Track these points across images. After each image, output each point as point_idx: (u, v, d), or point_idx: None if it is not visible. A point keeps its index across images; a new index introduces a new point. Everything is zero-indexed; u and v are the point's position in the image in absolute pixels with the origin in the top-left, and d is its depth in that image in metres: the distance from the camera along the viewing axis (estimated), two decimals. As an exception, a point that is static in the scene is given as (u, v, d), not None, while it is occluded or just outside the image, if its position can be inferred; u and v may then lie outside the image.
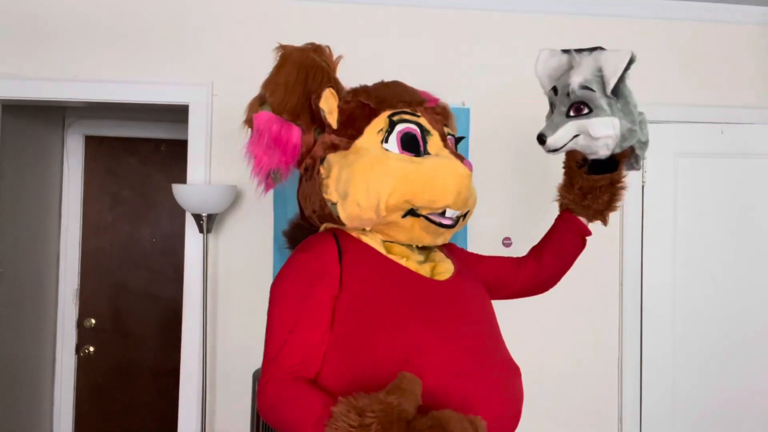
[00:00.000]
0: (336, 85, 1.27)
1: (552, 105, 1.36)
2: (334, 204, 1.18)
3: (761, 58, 2.48)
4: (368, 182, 1.14)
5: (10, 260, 2.59)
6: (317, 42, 1.29)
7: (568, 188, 1.43)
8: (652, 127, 2.37)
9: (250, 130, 1.21)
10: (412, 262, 1.21)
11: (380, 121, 1.21)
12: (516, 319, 2.36)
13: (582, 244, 1.48)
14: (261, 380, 1.10)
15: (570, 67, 1.32)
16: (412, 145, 1.19)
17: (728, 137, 2.39)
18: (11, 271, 2.60)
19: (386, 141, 1.19)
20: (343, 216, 1.18)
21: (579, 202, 1.42)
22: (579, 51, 1.32)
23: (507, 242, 2.24)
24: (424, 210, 1.16)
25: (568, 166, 1.43)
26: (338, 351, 1.09)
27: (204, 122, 2.21)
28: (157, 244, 3.23)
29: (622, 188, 1.42)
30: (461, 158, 1.22)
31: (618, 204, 1.43)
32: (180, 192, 2.13)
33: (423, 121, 1.22)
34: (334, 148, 1.22)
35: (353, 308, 1.11)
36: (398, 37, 2.30)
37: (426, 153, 1.20)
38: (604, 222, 1.45)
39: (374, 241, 1.20)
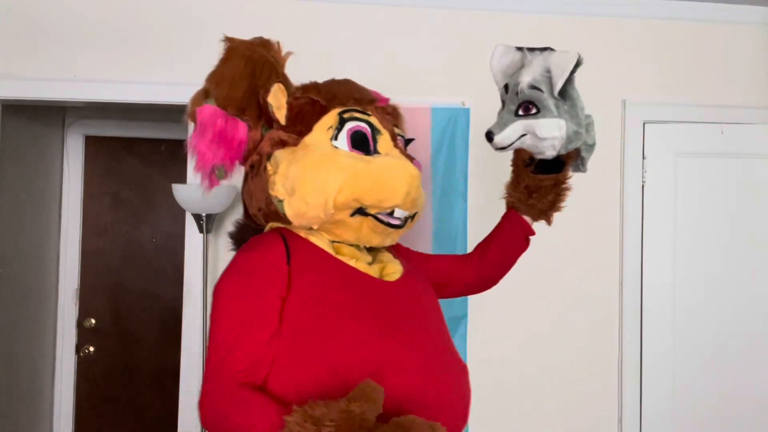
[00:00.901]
0: (284, 80, 1.25)
1: (503, 102, 1.35)
2: (281, 201, 1.16)
3: (761, 58, 2.48)
4: (317, 179, 1.12)
5: (10, 260, 2.59)
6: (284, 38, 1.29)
7: (514, 186, 1.41)
8: (653, 126, 2.40)
9: (193, 124, 1.18)
10: (361, 263, 1.18)
11: (330, 118, 1.19)
12: (516, 319, 2.37)
13: (525, 244, 1.46)
14: (203, 387, 1.05)
15: (522, 66, 1.31)
16: (361, 143, 1.18)
17: (728, 137, 2.39)
18: (11, 271, 2.60)
19: (335, 138, 1.17)
20: (289, 213, 1.15)
21: (524, 200, 1.40)
22: (531, 50, 1.32)
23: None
24: (373, 209, 1.15)
25: (515, 164, 1.41)
26: (288, 356, 1.04)
27: (204, 122, 2.21)
28: (157, 244, 3.23)
29: (567, 189, 1.40)
30: (411, 158, 1.22)
31: (562, 205, 1.41)
32: (180, 192, 2.13)
33: (373, 120, 1.21)
34: (282, 144, 1.20)
35: (303, 311, 1.07)
36: (399, 37, 2.30)
37: (376, 152, 1.19)
38: (548, 222, 1.43)
39: (322, 242, 1.18)
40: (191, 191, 2.13)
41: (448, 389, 1.10)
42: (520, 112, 1.28)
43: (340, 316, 1.07)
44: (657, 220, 2.37)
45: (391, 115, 1.27)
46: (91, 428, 3.15)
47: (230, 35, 1.26)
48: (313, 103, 1.21)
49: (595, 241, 2.37)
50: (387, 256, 1.28)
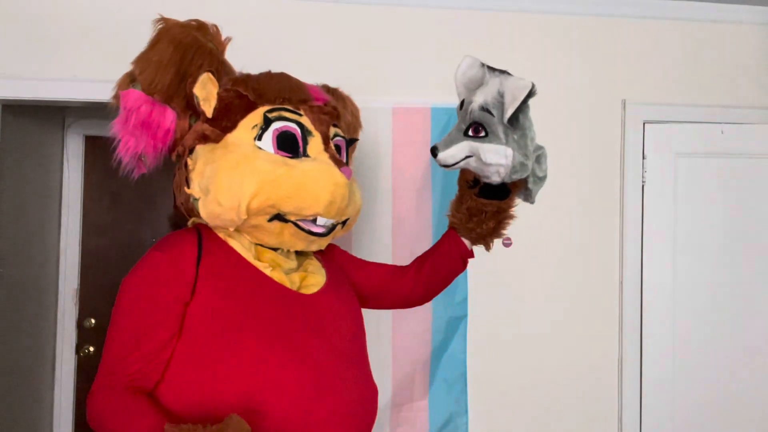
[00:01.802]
0: (220, 68, 1.18)
1: (458, 118, 1.28)
2: (197, 200, 1.13)
3: (761, 58, 2.48)
4: (231, 181, 1.07)
5: (10, 260, 2.59)
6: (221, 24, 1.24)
7: (457, 206, 1.34)
8: (653, 126, 2.40)
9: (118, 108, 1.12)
10: (278, 272, 1.14)
11: (256, 116, 1.12)
12: (516, 319, 2.37)
13: (462, 266, 1.39)
14: (93, 386, 1.05)
15: (481, 84, 1.25)
16: (289, 145, 1.12)
17: (728, 137, 2.39)
18: (11, 271, 2.60)
19: (260, 138, 1.11)
20: (203, 214, 1.12)
21: (464, 223, 1.32)
22: (491, 69, 1.25)
23: (507, 242, 2.24)
24: (292, 216, 1.10)
25: (460, 183, 1.34)
26: (181, 364, 1.01)
27: (204, 122, 2.21)
28: (157, 244, 3.23)
29: (509, 218, 1.33)
30: (341, 164, 1.14)
31: (503, 232, 1.35)
32: (180, 192, 2.12)
33: (305, 120, 1.15)
34: (204, 139, 1.14)
35: (202, 319, 1.03)
36: (399, 37, 2.29)
37: (305, 155, 1.13)
38: (487, 247, 1.36)
39: (241, 245, 1.13)
40: (191, 191, 2.12)
41: (342, 411, 1.05)
42: (470, 133, 1.20)
43: (237, 330, 1.02)
44: (657, 220, 2.37)
45: (329, 115, 1.20)
46: (91, 429, 3.15)
47: (166, 16, 1.20)
48: (241, 97, 1.14)
49: (595, 241, 2.37)
50: (313, 265, 1.23)
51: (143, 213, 3.24)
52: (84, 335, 3.12)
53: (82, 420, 3.14)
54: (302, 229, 1.12)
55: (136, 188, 3.23)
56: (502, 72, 1.24)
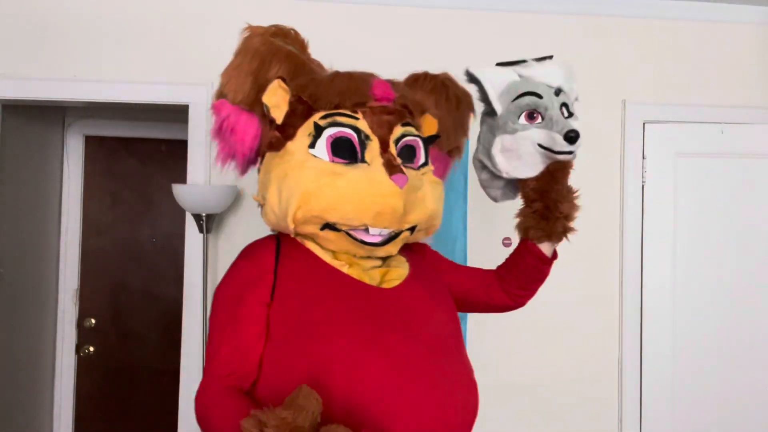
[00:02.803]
0: (299, 70, 1.17)
1: (495, 120, 1.26)
2: (261, 207, 1.15)
3: (761, 58, 2.48)
4: (280, 191, 1.08)
5: (10, 260, 2.59)
6: (297, 28, 1.23)
7: (525, 212, 1.30)
8: (653, 126, 2.40)
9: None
10: (356, 269, 1.12)
11: (310, 123, 1.11)
12: (516, 319, 2.36)
13: (546, 270, 1.37)
14: (199, 385, 1.08)
15: (518, 77, 1.27)
16: (347, 150, 1.08)
17: (728, 137, 2.39)
18: (11, 271, 2.60)
19: (313, 146, 1.08)
20: (265, 220, 1.14)
21: (538, 225, 1.29)
22: (513, 63, 1.30)
23: (507, 242, 2.24)
24: (343, 226, 1.07)
25: (525, 191, 1.30)
26: (271, 362, 1.04)
27: (204, 122, 2.21)
28: (157, 244, 3.23)
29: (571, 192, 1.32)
30: (396, 170, 1.07)
31: (576, 211, 1.32)
32: (180, 192, 2.13)
33: (362, 124, 1.10)
34: (270, 146, 1.14)
35: (282, 320, 1.05)
36: (399, 37, 2.29)
37: (363, 160, 1.08)
38: (568, 233, 1.31)
39: (318, 246, 1.13)
40: (191, 191, 2.13)
41: (426, 405, 1.00)
42: (565, 114, 1.24)
43: (313, 329, 1.03)
44: (657, 220, 2.37)
45: (394, 115, 1.14)
46: (91, 428, 3.15)
47: (252, 24, 1.21)
48: (302, 103, 1.13)
49: (595, 241, 2.37)
50: (396, 260, 1.20)
51: (143, 213, 3.24)
52: (84, 335, 3.12)
53: (82, 420, 3.14)
54: (355, 239, 1.09)
55: (136, 188, 3.23)
56: (521, 61, 1.29)
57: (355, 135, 1.09)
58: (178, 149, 2.76)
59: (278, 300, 1.06)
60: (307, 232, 1.10)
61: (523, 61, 1.28)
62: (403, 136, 1.14)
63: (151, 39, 2.23)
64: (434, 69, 1.42)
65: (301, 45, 1.24)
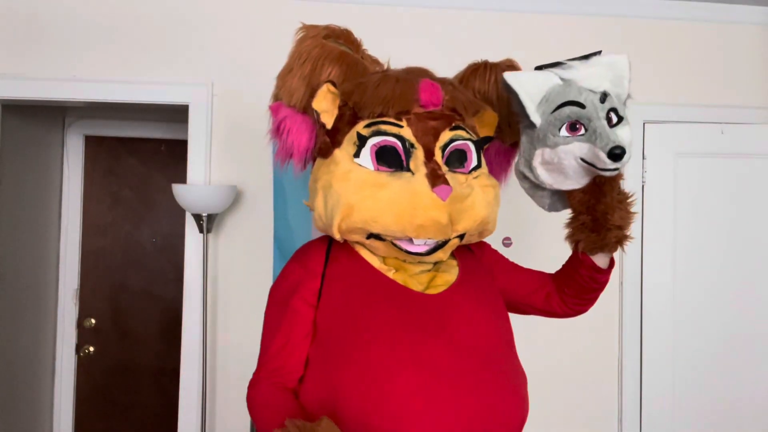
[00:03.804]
0: (353, 70, 1.15)
1: (534, 131, 1.15)
2: (312, 212, 1.15)
3: (761, 58, 2.48)
4: (326, 201, 1.08)
5: (10, 260, 2.59)
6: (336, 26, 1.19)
7: (574, 223, 1.22)
8: (653, 126, 2.40)
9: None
10: (402, 274, 1.11)
11: (353, 132, 1.09)
12: (516, 319, 2.36)
13: (604, 280, 1.28)
14: (251, 379, 1.13)
15: (560, 81, 1.14)
16: (393, 158, 1.06)
17: (728, 137, 2.39)
18: (11, 271, 2.60)
19: (357, 156, 1.07)
20: (315, 225, 1.14)
21: (590, 238, 1.21)
22: (556, 64, 1.19)
23: (507, 242, 2.24)
24: (387, 236, 1.06)
25: (573, 203, 1.21)
26: (316, 363, 1.07)
27: (204, 122, 2.21)
28: (157, 244, 3.23)
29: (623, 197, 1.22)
30: (439, 180, 1.03)
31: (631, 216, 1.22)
32: (180, 192, 2.13)
33: (406, 132, 1.07)
34: (321, 152, 1.14)
35: (327, 322, 1.07)
36: (400, 37, 2.30)
37: (407, 169, 1.05)
38: (624, 243, 1.22)
39: (367, 251, 1.13)
40: (191, 191, 2.13)
41: (467, 414, 0.97)
42: (614, 121, 1.11)
43: (354, 333, 1.03)
44: (657, 220, 2.37)
45: (442, 120, 1.09)
46: (91, 428, 3.15)
47: (306, 24, 1.18)
48: (350, 108, 1.11)
49: (595, 241, 2.37)
50: (447, 264, 1.17)
51: (143, 213, 3.24)
52: (84, 335, 3.12)
53: (82, 420, 3.14)
54: (400, 248, 1.08)
55: (136, 188, 3.23)
56: (561, 63, 1.17)
57: (399, 143, 1.06)
58: (178, 149, 2.76)
59: (324, 302, 1.09)
60: (354, 240, 1.11)
61: (563, 63, 1.17)
62: (452, 141, 1.10)
63: (151, 39, 2.23)
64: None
65: (355, 44, 1.21)
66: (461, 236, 1.11)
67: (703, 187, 2.39)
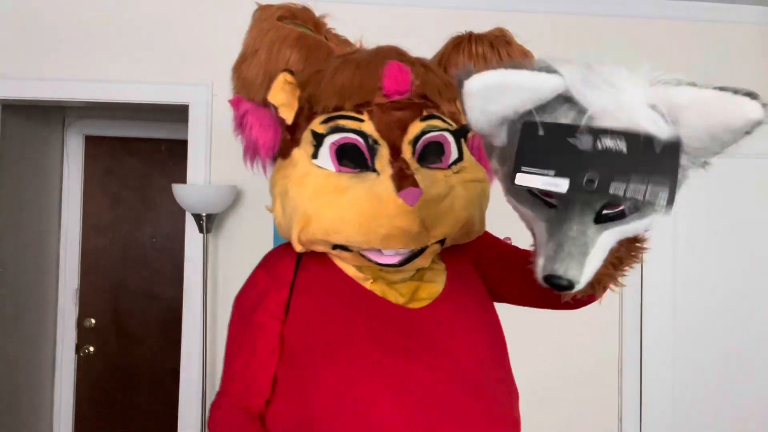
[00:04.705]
0: (313, 56, 0.99)
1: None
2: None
3: (761, 58, 2.48)
4: (284, 209, 0.94)
5: (10, 260, 2.59)
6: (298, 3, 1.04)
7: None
8: (652, 127, 2.39)
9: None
10: (380, 284, 0.95)
11: (309, 130, 0.94)
12: (516, 320, 2.36)
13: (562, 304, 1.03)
14: (212, 403, 1.01)
15: (567, 99, 0.61)
16: (354, 157, 0.91)
17: (728, 137, 2.39)
18: (11, 271, 2.60)
19: (316, 156, 0.92)
20: (278, 232, 1.01)
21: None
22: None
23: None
24: (353, 247, 0.92)
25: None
26: (284, 384, 0.93)
27: (204, 122, 2.21)
28: (157, 244, 3.23)
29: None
30: (407, 182, 0.86)
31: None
32: (180, 192, 2.13)
33: (367, 127, 0.91)
34: (281, 152, 1.00)
35: (298, 338, 0.93)
36: (402, 38, 2.29)
37: (373, 169, 0.90)
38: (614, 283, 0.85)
39: (340, 257, 0.97)
40: (191, 191, 2.13)
41: None
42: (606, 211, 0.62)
43: (324, 353, 0.89)
44: (656, 220, 2.37)
45: (409, 110, 0.93)
46: (91, 428, 3.15)
47: (262, 2, 1.04)
48: (307, 101, 0.96)
49: (595, 241, 2.37)
50: (432, 272, 0.99)
51: (143, 213, 3.24)
52: (84, 335, 3.12)
53: (82, 420, 3.14)
54: (369, 260, 0.92)
55: (136, 188, 3.23)
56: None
57: (361, 140, 0.91)
58: (178, 149, 2.76)
59: (292, 316, 0.94)
60: (320, 250, 0.96)
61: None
62: (424, 133, 0.93)
63: (152, 39, 2.23)
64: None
65: (317, 24, 1.06)
66: (442, 241, 0.95)
67: (703, 187, 2.39)
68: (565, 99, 0.62)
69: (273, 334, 0.95)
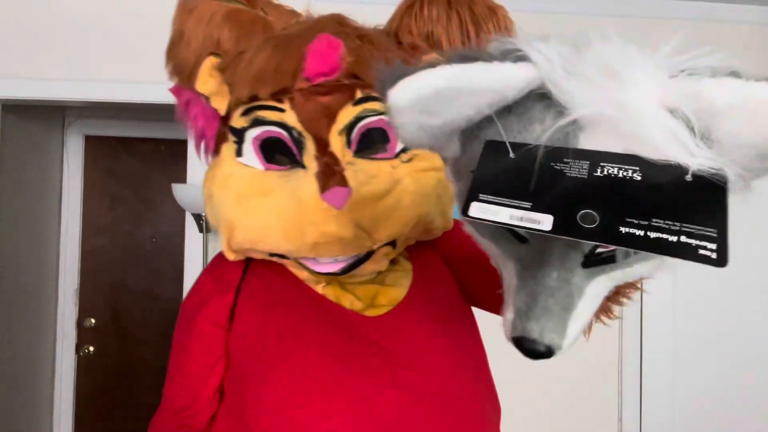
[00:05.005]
0: (247, 35, 0.84)
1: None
2: None
3: (761, 58, 2.48)
4: (212, 216, 0.87)
5: (10, 260, 2.59)
6: None
7: None
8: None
9: None
10: (333, 288, 0.84)
11: (233, 122, 0.83)
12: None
13: None
14: (155, 414, 0.92)
15: (543, 96, 0.44)
16: (282, 151, 0.79)
17: (728, 137, 2.39)
18: (11, 271, 2.60)
19: (240, 154, 0.81)
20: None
21: None
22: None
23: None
24: (288, 254, 0.81)
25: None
26: (229, 400, 0.83)
27: (204, 122, 2.21)
28: (157, 244, 3.23)
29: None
30: (335, 181, 0.74)
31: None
32: (180, 192, 2.13)
33: (289, 117, 0.78)
34: (214, 149, 0.90)
35: (241, 347, 0.82)
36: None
37: (302, 165, 0.78)
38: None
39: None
40: (191, 191, 2.13)
41: None
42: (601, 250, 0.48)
43: (269, 363, 0.78)
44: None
45: (337, 95, 0.78)
46: (91, 428, 3.15)
47: None
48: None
49: (595, 241, 2.37)
50: (395, 273, 0.88)
51: (143, 213, 3.24)
52: (84, 335, 3.12)
53: (82, 420, 3.14)
54: (307, 269, 0.82)
55: (136, 188, 3.24)
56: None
57: (285, 133, 0.78)
58: (178, 149, 2.76)
59: (237, 323, 0.83)
60: (257, 258, 0.85)
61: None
62: (359, 119, 0.78)
63: (152, 39, 2.22)
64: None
65: None
66: (393, 242, 0.82)
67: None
68: (540, 95, 0.44)
69: (216, 344, 0.83)
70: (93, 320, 3.13)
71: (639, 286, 0.60)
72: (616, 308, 0.65)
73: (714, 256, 0.42)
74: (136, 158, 3.24)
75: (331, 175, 0.74)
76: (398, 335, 0.81)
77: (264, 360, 0.79)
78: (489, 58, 0.42)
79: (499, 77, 0.42)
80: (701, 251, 0.41)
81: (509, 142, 0.43)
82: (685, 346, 2.37)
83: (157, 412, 0.90)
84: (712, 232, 0.41)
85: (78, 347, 3.12)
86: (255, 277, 0.87)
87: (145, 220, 3.24)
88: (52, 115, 2.99)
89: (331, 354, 0.77)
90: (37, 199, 2.89)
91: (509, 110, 0.44)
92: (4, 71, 2.16)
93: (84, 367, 3.14)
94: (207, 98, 0.85)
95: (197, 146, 0.93)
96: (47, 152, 2.98)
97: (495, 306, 0.65)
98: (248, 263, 0.88)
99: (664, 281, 2.37)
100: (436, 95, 0.43)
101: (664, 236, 0.39)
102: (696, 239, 0.41)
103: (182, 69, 0.89)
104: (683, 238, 0.40)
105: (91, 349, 3.13)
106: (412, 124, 0.46)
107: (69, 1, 2.20)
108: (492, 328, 1.98)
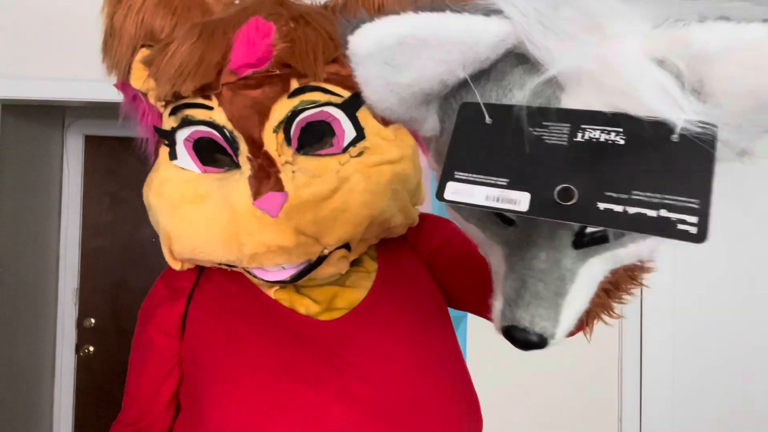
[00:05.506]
0: (185, 21, 0.76)
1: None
2: None
3: (761, 58, 2.48)
4: (154, 225, 0.82)
5: (10, 260, 2.59)
6: None
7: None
8: (652, 127, 2.39)
9: None
10: (287, 291, 0.78)
11: (163, 123, 0.76)
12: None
13: None
14: (111, 427, 0.87)
15: (521, 58, 0.40)
16: (218, 152, 0.73)
17: (728, 137, 2.39)
18: (11, 271, 2.60)
19: (175, 157, 0.75)
20: None
21: None
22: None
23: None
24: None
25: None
26: (183, 410, 0.79)
27: (204, 122, 2.21)
28: (157, 244, 3.19)
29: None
30: (270, 185, 0.67)
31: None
32: (180, 192, 2.13)
33: (218, 115, 0.71)
34: (155, 149, 0.85)
35: (191, 357, 0.77)
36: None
37: (239, 166, 0.72)
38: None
39: None
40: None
41: None
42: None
43: (217, 375, 0.73)
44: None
45: (270, 85, 0.69)
46: (91, 428, 3.15)
47: None
48: None
49: (595, 241, 2.37)
50: (359, 276, 0.80)
51: (143, 213, 3.17)
52: (84, 335, 3.12)
53: (82, 420, 3.14)
54: (256, 277, 0.76)
55: (136, 188, 3.22)
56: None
57: (216, 132, 0.71)
58: (178, 149, 2.76)
59: (189, 332, 0.78)
60: (206, 266, 0.81)
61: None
62: (296, 113, 0.70)
63: (151, 39, 2.23)
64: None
65: None
66: (347, 245, 0.74)
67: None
68: (518, 57, 0.40)
69: (167, 353, 0.79)
70: (93, 320, 3.13)
71: (639, 281, 0.57)
72: (617, 306, 0.63)
73: (693, 230, 0.39)
74: (136, 158, 3.22)
75: (264, 179, 0.68)
76: (353, 341, 0.73)
77: (210, 373, 0.73)
78: (459, 10, 0.38)
79: (469, 29, 0.38)
80: (680, 226, 0.38)
81: (485, 104, 0.39)
82: (685, 345, 2.37)
83: (113, 424, 0.85)
84: (694, 203, 0.39)
85: (78, 347, 3.11)
86: (209, 282, 0.81)
87: (145, 220, 3.14)
88: (52, 115, 2.99)
89: (279, 366, 0.71)
90: (37, 199, 2.89)
91: (487, 77, 0.40)
92: (4, 71, 2.16)
93: (84, 367, 3.14)
94: (145, 95, 0.77)
95: (148, 145, 0.87)
96: (47, 152, 2.98)
97: (484, 309, 0.60)
98: (202, 269, 0.83)
99: (664, 280, 2.37)
100: (400, 44, 0.39)
101: (644, 211, 0.36)
102: (676, 212, 0.38)
103: (116, 65, 0.83)
104: (663, 212, 0.37)
105: (91, 349, 3.13)
106: (376, 79, 0.41)
107: (69, 1, 2.19)
108: (490, 328, 1.96)
